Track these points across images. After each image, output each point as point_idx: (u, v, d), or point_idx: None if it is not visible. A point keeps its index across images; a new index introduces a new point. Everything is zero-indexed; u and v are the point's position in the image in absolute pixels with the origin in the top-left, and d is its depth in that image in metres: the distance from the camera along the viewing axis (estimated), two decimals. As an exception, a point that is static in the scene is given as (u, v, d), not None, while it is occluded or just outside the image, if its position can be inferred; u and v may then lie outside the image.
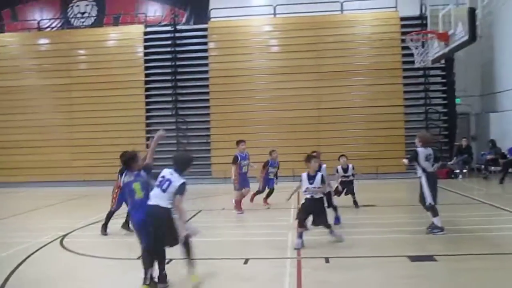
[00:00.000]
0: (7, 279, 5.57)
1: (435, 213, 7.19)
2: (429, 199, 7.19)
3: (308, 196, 6.65)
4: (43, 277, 5.74)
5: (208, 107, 17.75)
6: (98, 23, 19.15)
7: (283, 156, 16.76)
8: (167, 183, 5.09)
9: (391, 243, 6.82)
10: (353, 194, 10.05)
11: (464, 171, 15.93)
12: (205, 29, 18.07)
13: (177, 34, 18.21)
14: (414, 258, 5.82)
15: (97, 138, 17.73)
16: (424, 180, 7.25)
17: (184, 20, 18.85)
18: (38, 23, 19.42)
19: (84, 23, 19.30)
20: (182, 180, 5.15)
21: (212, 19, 18.17)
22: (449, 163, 16.30)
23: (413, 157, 7.48)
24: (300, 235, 6.56)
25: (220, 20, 18.05)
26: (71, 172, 17.75)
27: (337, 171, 10.08)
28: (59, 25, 19.47)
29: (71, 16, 19.40)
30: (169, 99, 18.01)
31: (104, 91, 17.92)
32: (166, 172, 5.21)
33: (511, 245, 6.68)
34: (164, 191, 5.05)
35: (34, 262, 6.43)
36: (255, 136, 17.15)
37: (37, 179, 17.61)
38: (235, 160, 10.20)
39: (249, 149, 16.85)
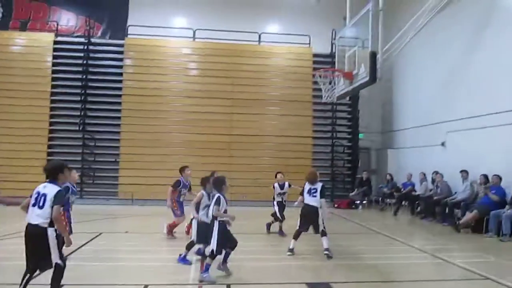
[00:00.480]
0: None
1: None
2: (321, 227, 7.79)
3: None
4: None
5: (119, 125, 17.08)
6: (3, 26, 17.69)
7: (193, 179, 16.61)
8: (42, 198, 4.72)
9: (292, 270, 6.97)
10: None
11: (364, 202, 16.99)
12: (121, 45, 17.56)
13: (91, 47, 17.46)
14: (311, 285, 5.98)
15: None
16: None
17: (99, 33, 18.15)
18: None
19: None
20: (57, 188, 4.81)
21: (129, 36, 17.73)
22: (350, 194, 17.30)
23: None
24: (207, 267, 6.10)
25: (138, 38, 17.68)
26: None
27: (273, 187, 10.42)
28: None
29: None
30: (77, 113, 17.03)
31: (5, 99, 16.50)
32: (40, 187, 4.85)
33: (399, 273, 7.17)
34: (41, 208, 4.69)
35: None
36: (166, 158, 16.85)
37: None
38: (176, 185, 9.51)
39: (160, 171, 16.69)
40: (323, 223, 7.86)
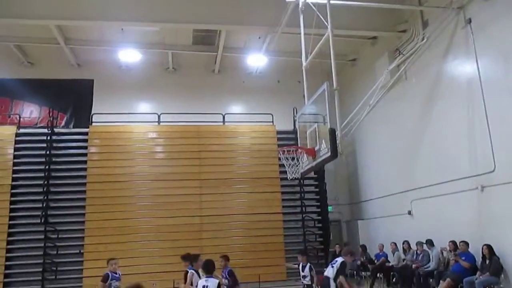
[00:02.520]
0: None
1: None
2: None
3: None
4: None
5: (83, 214, 16.52)
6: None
7: (164, 266, 16.04)
8: None
9: None
10: None
11: (339, 276, 16.64)
12: (85, 133, 17.54)
13: (54, 137, 17.33)
14: None
15: None
16: None
17: (63, 123, 18.19)
18: None
19: None
20: None
21: (94, 124, 17.82)
22: (325, 269, 16.94)
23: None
24: None
25: (102, 125, 17.78)
26: None
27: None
28: None
29: None
30: (38, 205, 16.43)
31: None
32: None
33: None
34: None
35: None
36: (134, 245, 16.32)
37: None
38: (105, 279, 9.19)
39: (130, 259, 16.02)
40: None
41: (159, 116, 18.34)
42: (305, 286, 9.89)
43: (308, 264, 9.92)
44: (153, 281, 15.44)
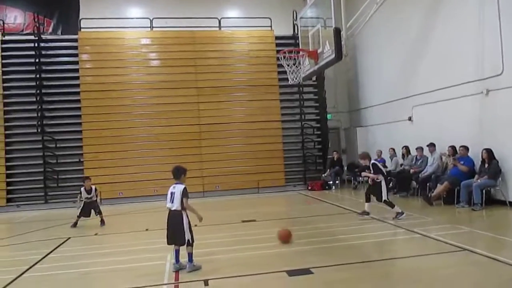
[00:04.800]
0: None
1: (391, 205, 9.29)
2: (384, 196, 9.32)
3: None
4: None
5: (79, 123, 16.36)
6: None
7: (164, 173, 16.21)
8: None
9: (270, 259, 6.78)
10: (100, 213, 10.95)
11: (337, 182, 17.03)
12: (75, 40, 16.72)
13: (42, 44, 16.55)
14: (291, 273, 5.81)
15: None
16: (383, 183, 9.36)
17: (50, 29, 17.25)
18: None
19: None
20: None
21: (83, 30, 16.92)
22: (323, 175, 17.30)
23: (379, 169, 9.49)
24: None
25: (92, 31, 16.90)
26: None
27: (80, 192, 10.91)
28: None
29: None
30: (33, 115, 16.17)
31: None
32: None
33: (377, 252, 7.11)
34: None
35: None
36: (133, 154, 16.39)
37: None
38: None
39: (127, 167, 16.17)
40: None
41: (151, 21, 17.38)
42: None
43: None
44: (154, 188, 15.79)
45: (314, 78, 16.58)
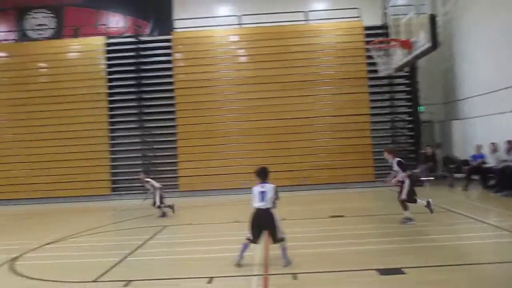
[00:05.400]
0: None
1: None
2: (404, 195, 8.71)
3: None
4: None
5: (174, 119, 17.36)
6: (57, 35, 18.46)
7: (254, 167, 16.59)
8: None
9: (360, 256, 6.66)
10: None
11: (431, 178, 16.11)
12: (169, 40, 17.73)
13: (141, 45, 17.81)
14: (382, 272, 5.66)
15: (58, 153, 17.05)
16: (408, 182, 8.71)
17: (147, 31, 18.45)
18: (-7, 35, 18.64)
19: (42, 35, 18.55)
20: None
21: (176, 30, 17.87)
22: (415, 171, 16.46)
23: (403, 166, 8.82)
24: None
25: (184, 31, 17.78)
26: (29, 189, 16.95)
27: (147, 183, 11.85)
28: (15, 38, 18.64)
29: (28, 28, 18.63)
30: (134, 111, 17.52)
31: (65, 105, 17.29)
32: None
33: (475, 254, 6.65)
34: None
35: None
36: (222, 148, 16.96)
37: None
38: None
39: (217, 161, 16.79)
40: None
41: (239, 18, 17.81)
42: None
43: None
44: (243, 181, 16.20)
45: (406, 69, 15.82)
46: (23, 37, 18.59)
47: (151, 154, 17.31)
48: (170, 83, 17.47)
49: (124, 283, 5.80)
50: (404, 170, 8.81)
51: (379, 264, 5.98)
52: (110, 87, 17.64)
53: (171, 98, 17.42)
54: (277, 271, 5.98)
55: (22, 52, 17.87)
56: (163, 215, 11.56)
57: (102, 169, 17.19)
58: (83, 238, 9.37)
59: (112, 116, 17.63)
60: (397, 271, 5.66)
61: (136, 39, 17.75)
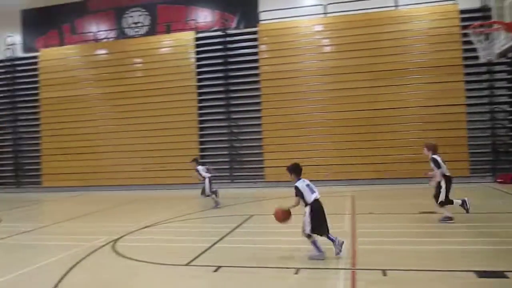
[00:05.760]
0: (58, 283, 5.66)
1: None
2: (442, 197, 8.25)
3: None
4: (94, 282, 5.78)
5: (259, 110, 17.63)
6: (151, 31, 19.59)
7: (337, 158, 16.40)
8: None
9: (454, 255, 6.28)
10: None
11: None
12: (255, 32, 17.98)
13: (228, 39, 18.31)
14: (481, 274, 5.27)
15: (152, 143, 18.19)
16: (445, 184, 8.25)
17: (234, 24, 18.85)
18: (95, 35, 20.22)
19: (138, 33, 19.81)
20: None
21: (261, 22, 18.06)
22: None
23: (437, 164, 8.31)
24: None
25: (270, 22, 17.91)
26: (127, 177, 18.32)
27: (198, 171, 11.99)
28: (114, 36, 20.12)
29: (126, 26, 20.00)
30: (222, 103, 18.12)
31: (158, 97, 18.35)
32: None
33: None
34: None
35: (86, 267, 6.53)
36: (307, 139, 16.88)
37: (93, 183, 18.39)
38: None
39: (301, 152, 16.74)
40: None
41: (325, 7, 17.50)
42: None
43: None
44: (326, 172, 16.06)
45: (509, 55, 14.46)
46: (121, 35, 19.96)
47: (237, 144, 17.79)
48: (256, 75, 17.74)
49: (214, 268, 6.04)
50: (438, 168, 8.31)
51: (477, 266, 5.59)
52: (199, 80, 18.38)
53: (257, 89, 17.70)
54: (365, 266, 5.84)
55: (120, 49, 19.28)
56: (216, 204, 11.72)
57: (190, 159, 17.95)
58: (175, 224, 9.92)
59: (200, 108, 18.37)
60: (498, 274, 5.24)
61: (224, 32, 18.26)
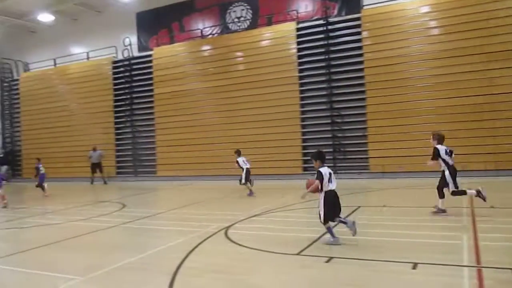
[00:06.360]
0: (180, 265, 6.07)
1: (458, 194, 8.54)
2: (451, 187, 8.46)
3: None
4: (210, 266, 6.09)
5: (363, 99, 17.10)
6: (253, 25, 19.99)
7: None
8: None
9: None
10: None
11: None
12: (358, 19, 17.45)
13: (329, 27, 18.00)
14: None
15: (255, 135, 18.62)
16: (447, 173, 8.48)
17: (335, 12, 18.44)
18: (201, 31, 21.19)
19: (241, 27, 20.35)
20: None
21: (365, 7, 17.43)
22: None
23: (436, 154, 8.56)
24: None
25: (373, 7, 17.21)
26: (230, 167, 18.96)
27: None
28: (219, 31, 20.91)
29: (229, 21, 20.66)
30: (323, 93, 17.92)
31: (260, 89, 18.74)
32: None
33: None
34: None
35: (202, 251, 6.89)
36: (416, 128, 15.98)
37: (201, 173, 19.39)
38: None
39: (409, 142, 15.87)
40: None
41: (433, -15, 16.31)
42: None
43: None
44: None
45: None
46: (225, 30, 20.68)
47: (340, 135, 17.47)
48: (360, 63, 17.21)
49: (325, 258, 5.99)
50: (433, 157, 8.58)
51: None
52: (301, 71, 18.36)
53: (361, 78, 17.18)
54: (494, 264, 5.36)
55: (224, 44, 20.00)
56: (250, 193, 13.09)
57: (295, 149, 18.12)
58: (282, 213, 10.07)
59: (302, 98, 18.36)
60: None
61: (325, 21, 17.99)
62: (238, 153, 13.92)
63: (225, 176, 18.66)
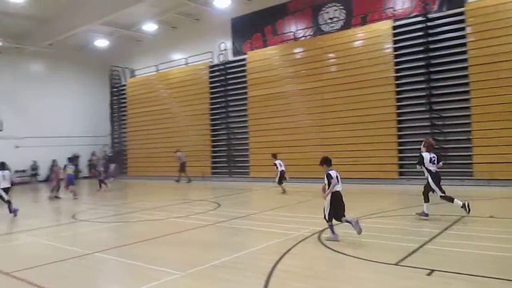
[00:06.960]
0: (274, 266, 6.14)
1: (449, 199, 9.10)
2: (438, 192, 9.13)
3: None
4: (304, 271, 6.08)
5: (468, 99, 15.85)
6: (346, 25, 19.57)
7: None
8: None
9: None
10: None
11: None
12: (461, 13, 16.22)
13: (429, 24, 16.96)
14: None
15: (348, 137, 18.22)
16: (430, 180, 9.14)
17: (436, 7, 17.34)
18: (294, 34, 21.25)
19: (334, 28, 20.02)
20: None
21: (468, 1, 16.18)
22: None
23: (420, 161, 9.27)
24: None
25: (478, 1, 15.90)
26: (316, 170, 18.65)
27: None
28: (311, 33, 20.80)
29: (322, 23, 20.46)
30: (422, 93, 16.94)
31: (354, 91, 18.28)
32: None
33: None
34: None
35: (295, 254, 6.92)
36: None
37: (294, 175, 19.25)
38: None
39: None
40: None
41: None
42: None
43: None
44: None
45: None
46: (318, 31, 20.52)
47: (441, 138, 16.38)
48: (463, 61, 15.99)
49: (427, 271, 5.67)
50: (418, 163, 9.28)
51: None
52: (397, 71, 17.58)
53: (464, 77, 15.95)
54: None
55: (316, 46, 19.85)
56: (284, 191, 14.96)
57: (390, 153, 17.39)
58: (378, 220, 9.73)
59: (399, 99, 17.57)
60: None
61: (424, 17, 17.01)
62: (275, 156, 15.06)
63: (317, 179, 18.43)
